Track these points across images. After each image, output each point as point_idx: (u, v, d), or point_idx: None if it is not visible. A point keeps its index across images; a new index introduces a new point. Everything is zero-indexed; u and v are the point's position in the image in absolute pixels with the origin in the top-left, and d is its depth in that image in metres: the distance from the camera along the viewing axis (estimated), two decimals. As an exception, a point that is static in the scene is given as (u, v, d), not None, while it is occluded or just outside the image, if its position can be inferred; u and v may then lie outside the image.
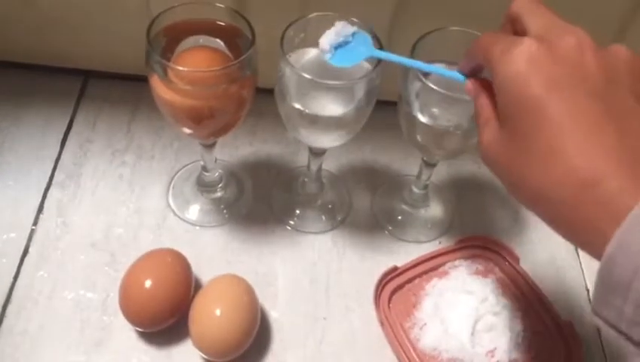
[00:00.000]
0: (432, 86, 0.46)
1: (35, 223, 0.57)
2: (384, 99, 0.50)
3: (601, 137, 0.30)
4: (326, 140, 0.53)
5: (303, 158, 0.65)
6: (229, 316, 0.48)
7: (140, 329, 0.51)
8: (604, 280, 0.29)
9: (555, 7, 0.36)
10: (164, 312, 0.49)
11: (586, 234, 0.30)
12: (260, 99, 0.51)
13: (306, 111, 0.47)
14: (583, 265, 0.61)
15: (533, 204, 0.33)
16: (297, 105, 0.47)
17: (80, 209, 0.59)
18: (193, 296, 0.51)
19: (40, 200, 0.59)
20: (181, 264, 0.51)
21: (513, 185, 0.34)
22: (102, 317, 0.52)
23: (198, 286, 0.53)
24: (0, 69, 0.68)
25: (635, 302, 0.27)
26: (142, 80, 0.49)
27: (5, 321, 0.51)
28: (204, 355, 0.49)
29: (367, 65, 0.48)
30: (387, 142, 0.67)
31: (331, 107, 0.47)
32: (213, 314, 0.48)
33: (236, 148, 0.65)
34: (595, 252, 0.29)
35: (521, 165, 0.33)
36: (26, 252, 0.55)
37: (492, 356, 0.52)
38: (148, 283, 0.49)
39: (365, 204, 0.63)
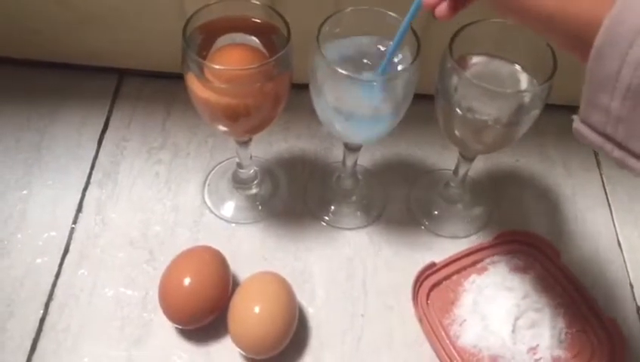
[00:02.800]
0: (472, 79, 0.45)
1: (75, 222, 0.58)
2: (419, 93, 0.49)
3: None
4: (362, 136, 0.53)
5: (337, 153, 0.64)
6: (267, 313, 0.48)
7: (179, 327, 0.52)
8: (593, 76, 0.29)
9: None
10: (203, 310, 0.50)
11: (577, 31, 0.30)
12: (293, 94, 0.51)
13: (342, 107, 0.47)
14: (626, 260, 0.59)
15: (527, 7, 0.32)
16: (333, 101, 0.47)
17: (118, 207, 0.60)
18: (231, 294, 0.51)
19: (79, 198, 0.60)
20: (219, 262, 0.52)
21: None
22: (142, 314, 0.53)
23: (235, 283, 0.53)
24: (36, 69, 0.69)
25: (621, 93, 0.28)
26: (175, 77, 0.49)
27: (48, 318, 0.52)
28: (243, 352, 0.50)
29: (404, 60, 0.47)
30: (423, 136, 0.67)
31: (367, 103, 0.47)
32: (251, 311, 0.48)
33: (271, 145, 0.65)
34: (586, 54, 0.30)
35: None
36: (66, 250, 0.56)
37: (534, 353, 0.51)
38: (187, 281, 0.49)
39: (401, 200, 0.62)
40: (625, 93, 0.28)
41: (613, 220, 0.62)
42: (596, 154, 0.67)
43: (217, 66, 0.45)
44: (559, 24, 0.31)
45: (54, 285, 0.54)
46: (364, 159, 0.65)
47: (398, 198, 0.62)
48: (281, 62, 0.46)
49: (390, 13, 0.47)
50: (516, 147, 0.67)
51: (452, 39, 0.47)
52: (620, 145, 0.30)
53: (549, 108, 0.49)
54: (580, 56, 0.30)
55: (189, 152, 0.64)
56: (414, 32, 0.46)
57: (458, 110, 0.48)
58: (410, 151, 0.66)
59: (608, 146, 0.30)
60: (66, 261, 0.56)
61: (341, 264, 0.57)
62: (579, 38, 0.30)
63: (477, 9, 0.48)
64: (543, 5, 0.31)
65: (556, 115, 0.69)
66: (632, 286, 0.58)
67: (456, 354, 0.51)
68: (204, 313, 0.50)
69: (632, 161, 0.30)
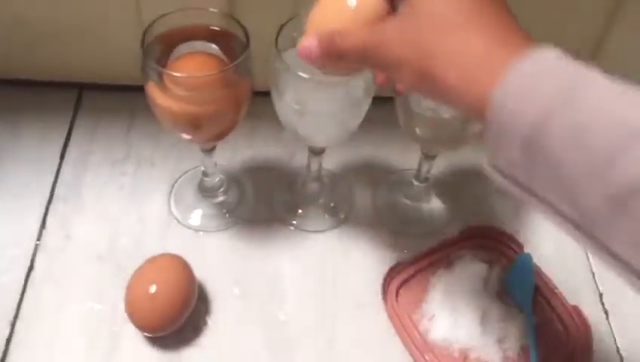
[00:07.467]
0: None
1: (39, 238, 0.57)
2: (381, 96, 0.50)
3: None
4: (324, 138, 0.53)
5: (302, 158, 0.65)
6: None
7: (148, 335, 0.51)
8: (494, 129, 0.32)
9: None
10: (170, 316, 0.50)
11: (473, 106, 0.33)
12: (257, 102, 0.51)
13: (304, 109, 0.48)
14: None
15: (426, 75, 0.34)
16: (294, 105, 0.47)
17: (83, 221, 0.59)
18: (198, 299, 0.51)
19: (42, 214, 0.59)
20: (182, 267, 0.51)
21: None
22: (111, 327, 0.52)
23: (202, 290, 0.54)
24: (-5, 86, 0.68)
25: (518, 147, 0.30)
26: (137, 90, 0.49)
27: (15, 337, 0.51)
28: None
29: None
30: (386, 137, 0.68)
31: (328, 105, 0.48)
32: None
33: (236, 152, 0.65)
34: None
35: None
36: (31, 267, 0.55)
37: (502, 343, 0.52)
38: (152, 289, 0.49)
39: (367, 201, 0.63)
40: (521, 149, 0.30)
41: (573, 211, 0.64)
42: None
43: (177, 73, 0.45)
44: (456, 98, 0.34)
45: (20, 303, 0.53)
46: (330, 162, 0.65)
47: (364, 199, 0.63)
48: (241, 69, 0.46)
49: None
50: (479, 144, 0.68)
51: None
52: (522, 186, 0.32)
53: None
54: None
55: (154, 163, 0.64)
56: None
57: (417, 108, 0.49)
58: (375, 153, 0.67)
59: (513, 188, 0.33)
60: (31, 278, 0.55)
61: (311, 267, 0.58)
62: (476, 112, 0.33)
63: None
64: (443, 81, 0.33)
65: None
66: (593, 273, 0.59)
67: (427, 349, 0.51)
68: (170, 319, 0.50)
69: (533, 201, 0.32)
